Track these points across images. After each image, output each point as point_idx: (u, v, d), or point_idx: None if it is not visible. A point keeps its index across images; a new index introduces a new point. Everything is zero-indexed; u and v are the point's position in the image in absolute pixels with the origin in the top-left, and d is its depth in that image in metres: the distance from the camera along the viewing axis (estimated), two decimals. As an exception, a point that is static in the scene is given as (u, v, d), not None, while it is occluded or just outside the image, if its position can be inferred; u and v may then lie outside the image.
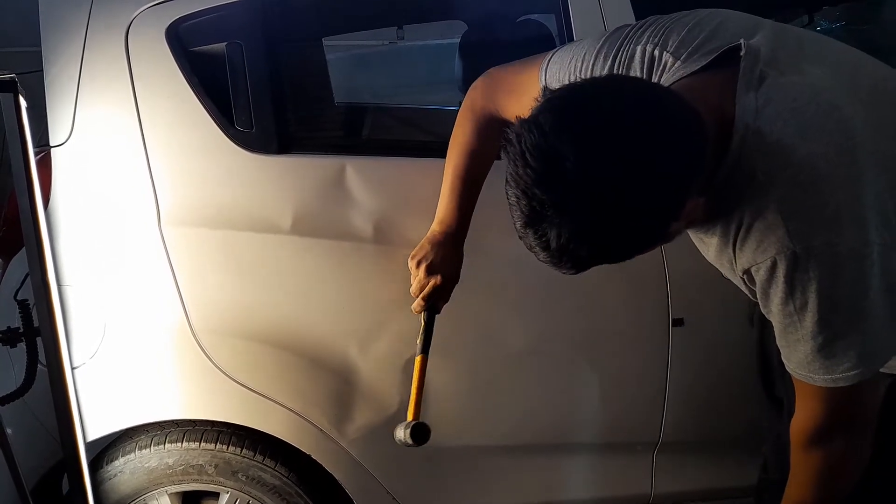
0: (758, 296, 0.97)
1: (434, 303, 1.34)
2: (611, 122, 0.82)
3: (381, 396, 1.45)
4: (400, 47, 3.82)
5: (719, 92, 0.93)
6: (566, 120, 0.82)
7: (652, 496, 1.62)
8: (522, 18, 1.97)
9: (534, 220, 0.83)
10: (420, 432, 1.29)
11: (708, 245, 1.03)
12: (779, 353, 1.30)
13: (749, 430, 1.46)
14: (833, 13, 2.44)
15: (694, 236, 1.06)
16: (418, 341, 1.34)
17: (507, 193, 0.86)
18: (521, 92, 1.19)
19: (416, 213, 1.36)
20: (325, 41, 2.15)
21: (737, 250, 0.95)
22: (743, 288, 1.03)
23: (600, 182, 0.81)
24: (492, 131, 1.27)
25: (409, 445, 1.29)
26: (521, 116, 0.85)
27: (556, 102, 0.85)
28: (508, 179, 0.84)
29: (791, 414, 1.30)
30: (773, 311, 0.95)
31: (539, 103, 0.86)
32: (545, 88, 0.93)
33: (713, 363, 1.53)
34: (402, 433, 1.31)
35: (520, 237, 0.87)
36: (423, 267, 1.31)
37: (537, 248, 0.86)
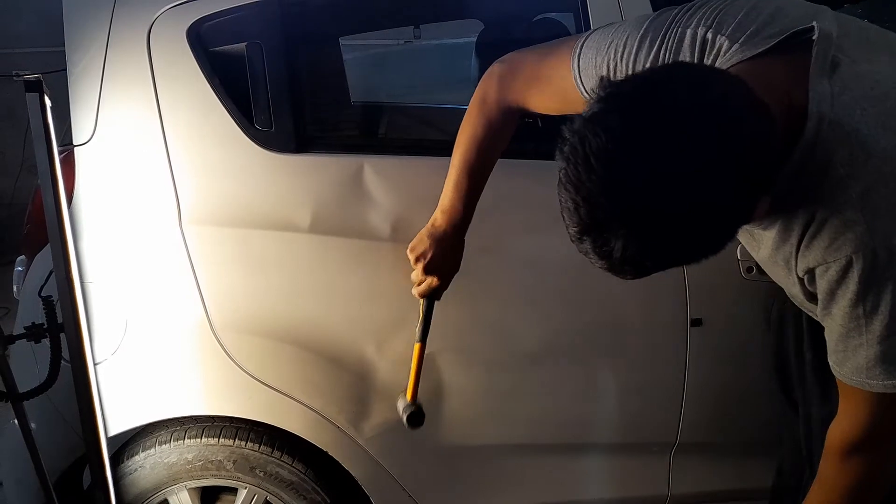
0: (819, 297, 0.92)
1: (433, 294, 1.33)
2: (687, 128, 0.75)
3: (397, 394, 1.46)
4: (416, 46, 3.81)
5: (786, 78, 0.88)
6: (636, 123, 0.76)
7: (669, 497, 1.61)
8: (539, 17, 1.96)
9: (595, 229, 0.78)
10: (417, 419, 1.37)
11: (759, 241, 0.98)
12: (796, 356, 1.28)
13: (768, 432, 1.45)
14: (854, 11, 2.41)
15: (742, 231, 1.00)
16: (417, 329, 1.35)
17: (560, 196, 0.79)
18: (547, 81, 1.13)
19: (432, 211, 1.36)
20: (342, 40, 2.16)
21: (802, 247, 0.90)
22: (794, 288, 0.98)
23: (675, 195, 0.75)
24: (504, 122, 1.22)
25: (404, 425, 1.36)
26: (582, 113, 0.79)
27: (624, 101, 0.78)
28: (565, 181, 0.78)
29: (807, 417, 1.28)
30: (837, 313, 0.90)
31: (599, 97, 0.79)
32: (603, 78, 0.83)
33: (732, 364, 1.52)
34: (401, 409, 1.38)
35: (572, 240, 0.81)
36: (420, 264, 1.29)
37: (594, 256, 0.80)
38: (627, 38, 1.01)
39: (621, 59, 1.01)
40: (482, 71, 1.94)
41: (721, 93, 0.79)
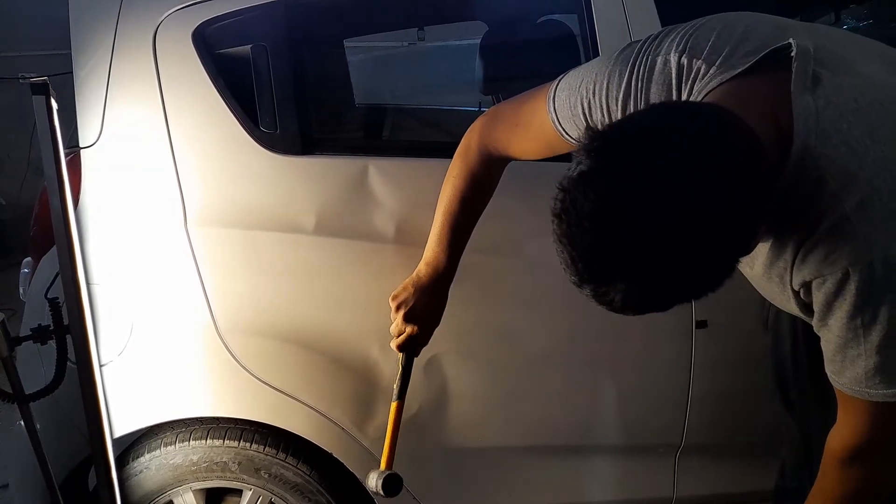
0: (816, 309, 0.92)
1: (412, 347, 1.32)
2: (677, 178, 0.75)
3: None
4: (420, 48, 3.82)
5: (768, 97, 0.88)
6: (626, 184, 0.76)
7: (674, 499, 1.61)
8: (543, 19, 1.96)
9: (594, 281, 0.79)
10: (392, 484, 1.28)
11: (754, 258, 0.98)
12: (793, 358, 1.28)
13: (772, 434, 1.44)
14: (860, 11, 2.41)
15: None
16: (395, 385, 1.33)
17: (556, 248, 0.80)
18: (527, 126, 1.14)
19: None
20: (346, 42, 2.16)
21: (797, 262, 0.90)
22: (788, 303, 0.99)
23: (672, 248, 0.76)
24: (488, 174, 1.23)
25: (378, 495, 1.28)
26: (570, 170, 0.79)
27: (611, 160, 0.78)
28: (559, 236, 0.79)
29: (805, 419, 1.28)
30: (834, 325, 0.90)
31: (587, 150, 0.79)
32: (588, 128, 0.84)
33: (737, 365, 1.51)
34: (373, 482, 1.29)
35: (572, 283, 0.82)
36: (401, 313, 1.28)
37: (595, 302, 0.82)
38: (597, 75, 1.02)
39: (594, 96, 1.02)
40: (486, 73, 1.96)
41: (707, 132, 0.79)
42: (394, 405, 1.33)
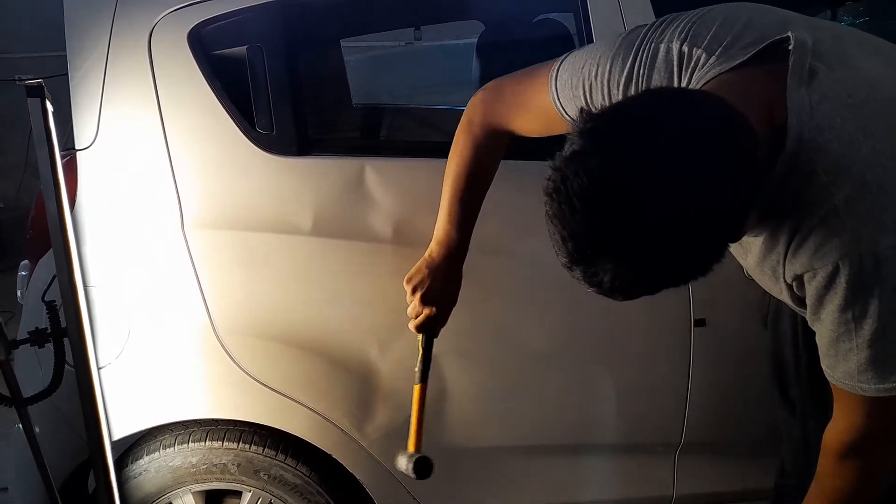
0: (808, 303, 0.92)
1: (431, 328, 1.31)
2: (669, 163, 0.75)
3: (401, 397, 1.45)
4: (417, 48, 3.82)
5: (765, 89, 0.88)
6: (617, 165, 0.76)
7: (674, 497, 1.61)
8: (540, 18, 1.96)
9: (584, 262, 0.80)
10: (424, 466, 1.28)
11: (747, 249, 0.99)
12: (793, 356, 1.28)
13: (772, 432, 1.44)
14: (856, 8, 2.41)
15: None
16: (416, 369, 1.31)
17: (548, 227, 0.81)
18: (528, 103, 1.15)
19: (434, 213, 1.36)
20: (343, 42, 2.16)
21: (789, 255, 0.91)
22: (782, 295, 0.99)
23: (661, 230, 0.76)
24: (492, 147, 1.23)
25: (412, 477, 1.29)
26: (563, 150, 0.80)
27: (603, 141, 0.78)
28: (551, 216, 0.80)
29: (805, 418, 1.28)
30: (826, 319, 0.90)
31: (580, 131, 0.80)
32: (582, 110, 0.83)
33: (735, 364, 1.51)
34: (404, 464, 1.30)
35: (563, 266, 0.82)
36: (418, 295, 1.27)
37: (585, 284, 0.82)
38: (600, 58, 1.03)
39: (595, 79, 1.02)
40: (483, 72, 1.96)
41: (701, 119, 0.79)
42: (416, 388, 1.30)
